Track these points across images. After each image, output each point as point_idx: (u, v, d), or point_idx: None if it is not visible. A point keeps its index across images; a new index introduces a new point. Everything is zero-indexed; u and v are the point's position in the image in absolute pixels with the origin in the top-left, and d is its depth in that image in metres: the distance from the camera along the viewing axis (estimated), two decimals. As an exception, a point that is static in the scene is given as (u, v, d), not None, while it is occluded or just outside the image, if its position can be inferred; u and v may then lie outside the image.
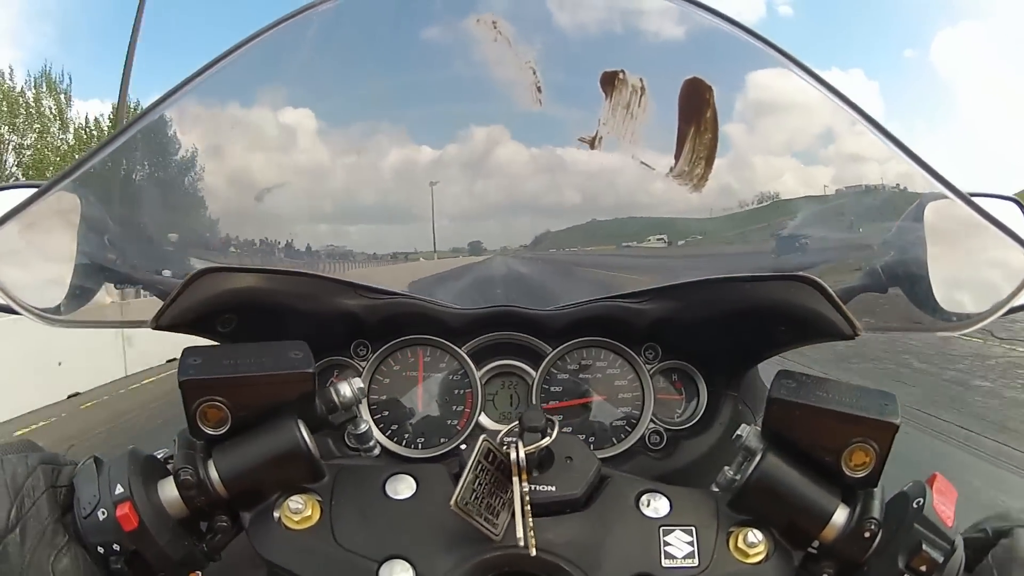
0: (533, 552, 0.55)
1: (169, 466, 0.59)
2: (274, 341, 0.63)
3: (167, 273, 0.74)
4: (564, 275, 1.06)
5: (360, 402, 0.66)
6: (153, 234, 0.79)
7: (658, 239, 0.91)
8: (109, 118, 24.22)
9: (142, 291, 0.74)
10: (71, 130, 23.56)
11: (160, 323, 0.66)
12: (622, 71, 0.73)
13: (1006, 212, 0.77)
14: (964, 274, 0.72)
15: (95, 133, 24.03)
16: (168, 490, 0.57)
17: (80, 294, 0.69)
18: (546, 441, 0.57)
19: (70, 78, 23.19)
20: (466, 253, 0.96)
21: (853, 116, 0.64)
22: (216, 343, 0.79)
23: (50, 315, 0.66)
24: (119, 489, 0.54)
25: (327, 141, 0.85)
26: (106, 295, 0.71)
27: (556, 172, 0.84)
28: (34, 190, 0.62)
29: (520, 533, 0.54)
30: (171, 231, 0.81)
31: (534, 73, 0.74)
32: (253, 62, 0.69)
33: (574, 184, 0.86)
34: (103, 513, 0.54)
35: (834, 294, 0.66)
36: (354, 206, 0.92)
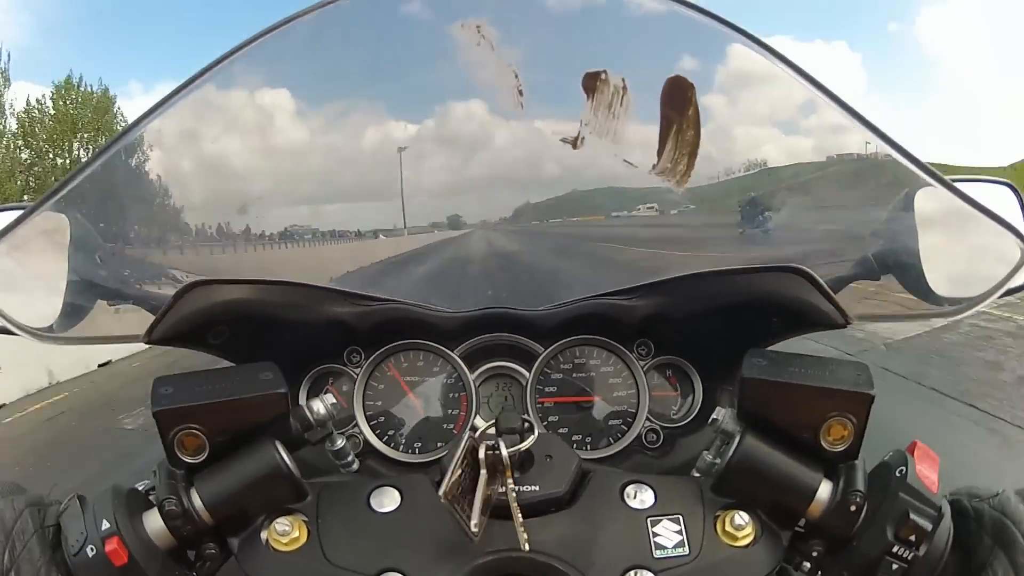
0: (526, 547, 0.55)
1: (151, 498, 0.59)
2: (243, 365, 0.64)
3: (157, 287, 0.74)
4: (555, 252, 1.06)
5: (334, 418, 0.66)
6: (141, 248, 0.79)
7: (648, 208, 0.90)
8: (51, 98, 23.07)
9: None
10: (8, 114, 22.30)
11: (152, 337, 0.66)
12: (604, 71, 0.73)
13: (1000, 196, 0.77)
14: (955, 260, 0.71)
15: (36, 115, 22.88)
16: (154, 521, 0.57)
17: (72, 311, 0.69)
18: (528, 443, 0.57)
19: (8, 56, 21.98)
20: (445, 227, 0.95)
21: (842, 112, 0.63)
22: (213, 355, 0.80)
23: (44, 333, 0.67)
24: (105, 524, 0.55)
25: (309, 128, 0.85)
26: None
27: (535, 146, 0.84)
28: (20, 212, 0.63)
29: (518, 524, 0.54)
30: (159, 242, 0.81)
31: (516, 77, 0.74)
32: (240, 71, 0.69)
33: (554, 157, 0.85)
34: (92, 550, 0.54)
35: (824, 284, 0.66)
36: (332, 186, 0.91)
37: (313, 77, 0.80)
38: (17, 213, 0.63)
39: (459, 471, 0.55)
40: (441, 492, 0.54)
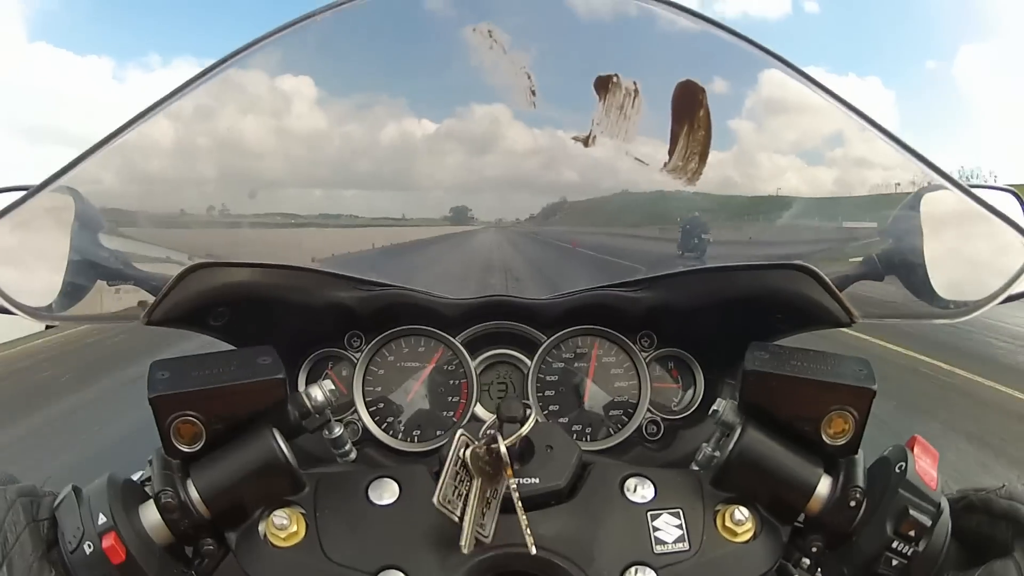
0: (533, 550, 0.54)
1: (147, 488, 0.58)
2: (240, 349, 0.63)
3: (159, 268, 0.74)
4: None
5: (332, 405, 0.66)
6: (145, 229, 0.79)
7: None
8: None
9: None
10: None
11: (152, 318, 0.65)
12: (615, 75, 0.73)
13: (1004, 204, 0.76)
14: (960, 262, 0.71)
15: None
16: (151, 515, 0.56)
17: (72, 291, 0.68)
18: (524, 430, 0.56)
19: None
20: (456, 223, 0.95)
21: (845, 112, 0.63)
22: (214, 337, 0.79)
23: (42, 312, 0.66)
24: (102, 519, 0.54)
25: (323, 119, 0.84)
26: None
27: (548, 148, 0.83)
28: (24, 192, 0.62)
29: (523, 523, 0.54)
30: (162, 224, 0.81)
31: (529, 79, 0.74)
32: (260, 60, 0.68)
33: (567, 161, 0.85)
34: (89, 546, 0.53)
35: (830, 282, 0.66)
36: (345, 173, 0.90)
37: (331, 72, 0.79)
38: (21, 193, 0.62)
39: (455, 471, 0.55)
40: (435, 499, 0.53)
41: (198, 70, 0.64)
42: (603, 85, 0.73)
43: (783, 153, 0.85)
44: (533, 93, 0.74)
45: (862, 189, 0.79)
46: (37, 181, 0.63)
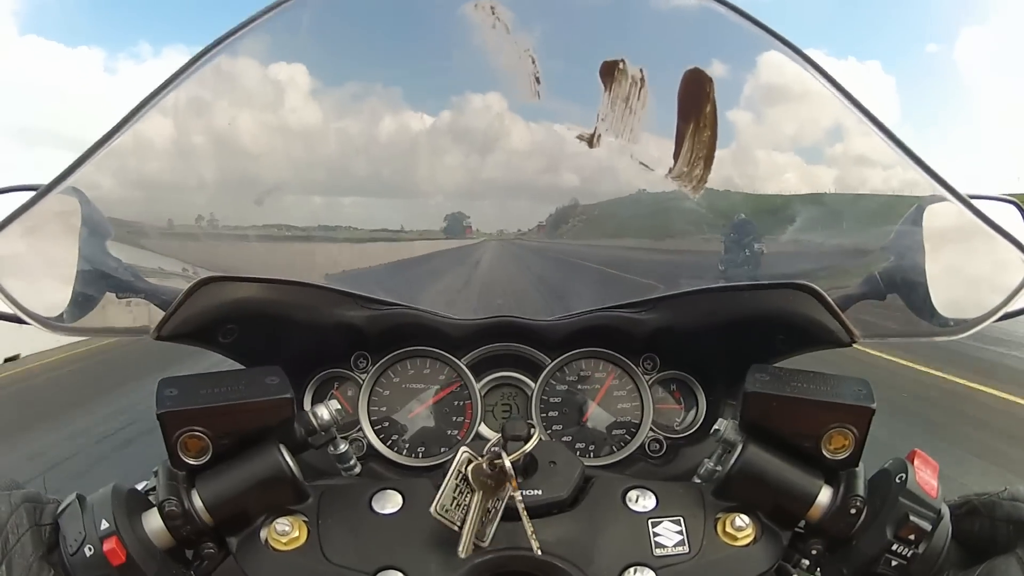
0: (539, 552, 0.55)
1: (151, 498, 0.59)
2: (249, 368, 0.64)
3: (168, 282, 0.74)
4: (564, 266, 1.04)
5: (338, 423, 0.66)
6: (152, 239, 0.79)
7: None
8: None
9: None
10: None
11: (162, 333, 0.65)
12: (622, 61, 0.74)
13: (1006, 214, 0.78)
14: (961, 278, 0.72)
15: None
16: (153, 521, 0.57)
17: (83, 301, 0.69)
18: (528, 447, 0.57)
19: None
20: (456, 235, 0.94)
21: (853, 111, 0.65)
22: (221, 354, 0.79)
23: (54, 323, 0.67)
24: (104, 524, 0.54)
25: (324, 115, 0.84)
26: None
27: (552, 147, 0.83)
28: (32, 192, 0.63)
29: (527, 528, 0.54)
30: (170, 235, 0.81)
31: (533, 63, 0.74)
32: (251, 47, 0.70)
33: (570, 161, 0.84)
34: (90, 549, 0.53)
35: (832, 302, 0.66)
36: (347, 178, 0.90)
37: (326, 59, 0.80)
38: (29, 194, 0.63)
39: (454, 484, 0.56)
40: (432, 507, 0.54)
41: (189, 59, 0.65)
42: (609, 72, 0.73)
43: (806, 149, 0.85)
44: (538, 81, 0.75)
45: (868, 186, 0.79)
46: (35, 182, 0.64)
